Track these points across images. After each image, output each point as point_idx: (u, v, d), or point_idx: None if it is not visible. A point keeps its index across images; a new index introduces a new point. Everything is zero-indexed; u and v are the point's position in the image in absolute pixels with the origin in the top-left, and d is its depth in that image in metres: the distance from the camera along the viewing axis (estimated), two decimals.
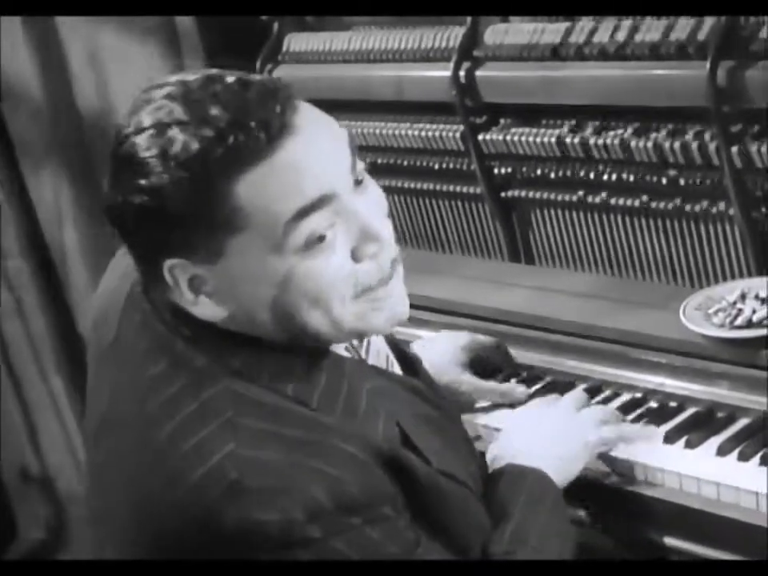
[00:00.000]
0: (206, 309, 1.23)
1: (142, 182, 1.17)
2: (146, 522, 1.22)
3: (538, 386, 1.80)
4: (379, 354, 1.42)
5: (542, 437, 1.49)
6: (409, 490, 1.25)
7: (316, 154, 1.19)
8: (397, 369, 1.46)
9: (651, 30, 1.80)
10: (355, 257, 1.23)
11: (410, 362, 1.49)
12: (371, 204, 1.26)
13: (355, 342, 1.37)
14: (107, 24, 2.54)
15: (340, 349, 1.33)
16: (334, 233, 1.20)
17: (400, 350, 1.50)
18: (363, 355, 1.39)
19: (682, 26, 1.77)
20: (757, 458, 1.52)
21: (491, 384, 1.77)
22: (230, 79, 1.19)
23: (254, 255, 1.19)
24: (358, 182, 1.24)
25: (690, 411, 1.66)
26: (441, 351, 1.75)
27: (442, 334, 1.86)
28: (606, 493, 1.57)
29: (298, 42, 2.32)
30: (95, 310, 1.42)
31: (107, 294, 1.40)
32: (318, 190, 1.18)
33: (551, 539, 1.36)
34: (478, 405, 1.75)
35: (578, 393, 1.67)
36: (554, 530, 1.38)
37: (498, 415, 1.72)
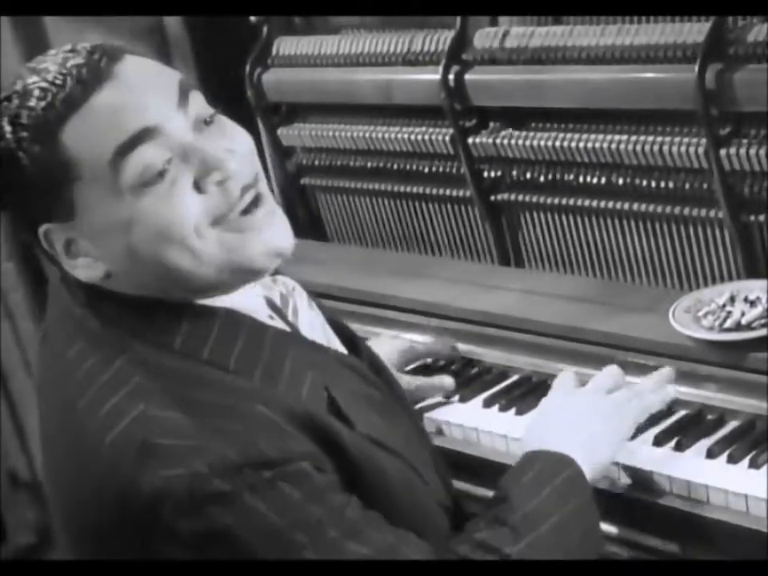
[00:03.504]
0: (85, 270, 1.25)
1: None
2: (72, 502, 1.25)
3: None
4: (313, 326, 1.41)
5: (565, 422, 1.44)
6: (337, 457, 1.24)
7: (131, 93, 1.20)
8: (337, 344, 1.45)
9: (639, 32, 1.81)
10: (198, 188, 1.22)
11: (349, 338, 1.49)
12: (218, 140, 1.25)
13: (277, 300, 1.37)
14: (96, 26, 2.53)
15: (263, 317, 1.33)
16: (173, 168, 1.20)
17: (340, 325, 1.50)
18: (290, 318, 1.37)
19: (671, 29, 1.77)
20: (746, 461, 1.52)
21: (424, 379, 1.79)
22: (80, 46, 1.23)
23: (98, 203, 1.21)
24: (205, 122, 1.25)
25: (680, 414, 1.66)
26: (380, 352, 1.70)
27: (383, 337, 1.89)
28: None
29: (287, 45, 2.31)
30: None
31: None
32: (136, 124, 1.19)
33: (563, 532, 1.28)
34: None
35: (607, 375, 1.56)
36: (568, 520, 1.29)
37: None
